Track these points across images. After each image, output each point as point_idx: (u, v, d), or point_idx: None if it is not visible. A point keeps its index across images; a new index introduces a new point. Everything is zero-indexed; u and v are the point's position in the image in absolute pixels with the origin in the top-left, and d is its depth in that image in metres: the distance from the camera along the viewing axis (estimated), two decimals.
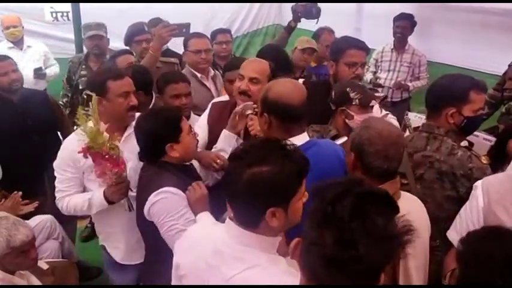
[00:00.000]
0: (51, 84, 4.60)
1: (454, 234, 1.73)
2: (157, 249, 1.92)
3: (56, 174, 2.20)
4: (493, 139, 2.53)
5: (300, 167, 1.26)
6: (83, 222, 3.98)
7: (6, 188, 2.76)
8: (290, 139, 1.66)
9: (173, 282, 1.47)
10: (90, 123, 1.96)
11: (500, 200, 1.67)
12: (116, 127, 2.15)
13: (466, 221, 1.72)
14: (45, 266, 2.50)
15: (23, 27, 4.55)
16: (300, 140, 1.75)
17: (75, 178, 2.17)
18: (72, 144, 2.09)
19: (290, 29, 3.62)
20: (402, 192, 1.66)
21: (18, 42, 4.51)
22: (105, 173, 1.99)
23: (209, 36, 3.83)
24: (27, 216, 2.65)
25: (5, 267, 2.14)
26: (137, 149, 2.03)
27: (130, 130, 2.18)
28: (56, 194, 2.21)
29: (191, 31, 3.22)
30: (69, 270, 2.69)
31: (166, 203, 1.82)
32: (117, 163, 1.98)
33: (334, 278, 0.90)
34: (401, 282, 1.57)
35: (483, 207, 1.69)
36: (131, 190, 2.11)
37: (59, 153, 2.21)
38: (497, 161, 2.29)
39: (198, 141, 2.04)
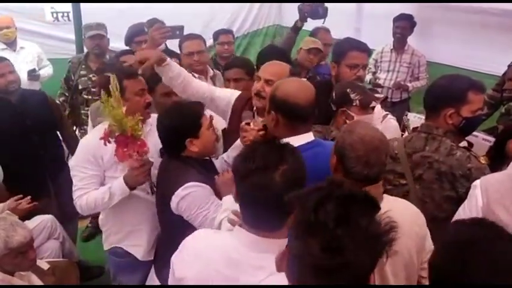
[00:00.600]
0: (45, 84, 4.60)
1: None
2: (176, 242, 1.94)
3: (74, 172, 2.18)
4: (492, 139, 2.54)
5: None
6: (84, 222, 3.99)
7: (9, 190, 2.78)
8: (295, 137, 1.72)
9: None
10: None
11: (500, 199, 1.67)
12: None
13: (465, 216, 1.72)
14: (45, 266, 2.51)
15: (16, 29, 4.53)
16: (305, 138, 1.79)
17: (96, 176, 2.15)
18: (93, 140, 2.08)
19: (296, 28, 3.61)
20: (385, 196, 1.63)
21: (11, 44, 4.49)
22: (130, 156, 1.98)
23: (211, 37, 3.85)
24: (28, 216, 2.67)
25: (4, 268, 2.15)
26: (156, 145, 2.07)
27: (147, 127, 2.20)
28: (75, 193, 2.17)
29: (191, 31, 3.24)
30: (69, 270, 2.70)
31: (195, 195, 1.87)
32: (143, 144, 2.00)
33: (324, 286, 0.91)
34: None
35: (482, 207, 1.69)
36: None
37: (78, 151, 2.20)
38: (496, 161, 2.29)
39: (217, 136, 2.07)
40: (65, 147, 3.35)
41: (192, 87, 2.35)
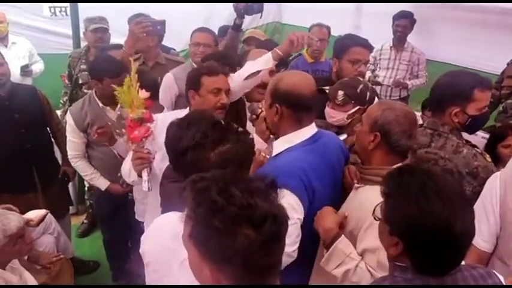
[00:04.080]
0: (38, 79, 4.56)
1: None
2: None
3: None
4: None
5: None
6: (79, 218, 3.98)
7: None
8: (300, 131, 1.78)
9: (146, 275, 1.45)
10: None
11: None
12: None
13: (484, 208, 1.72)
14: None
15: (8, 24, 4.48)
16: (311, 129, 1.81)
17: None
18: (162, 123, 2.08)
19: (236, 26, 3.54)
20: None
21: (2, 39, 4.44)
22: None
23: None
24: (22, 211, 2.62)
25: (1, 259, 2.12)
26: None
27: None
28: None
29: (191, 29, 3.28)
30: (63, 266, 2.66)
31: None
32: (133, 129, 2.00)
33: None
34: None
35: (500, 197, 1.70)
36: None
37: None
38: None
39: None
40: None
41: None
